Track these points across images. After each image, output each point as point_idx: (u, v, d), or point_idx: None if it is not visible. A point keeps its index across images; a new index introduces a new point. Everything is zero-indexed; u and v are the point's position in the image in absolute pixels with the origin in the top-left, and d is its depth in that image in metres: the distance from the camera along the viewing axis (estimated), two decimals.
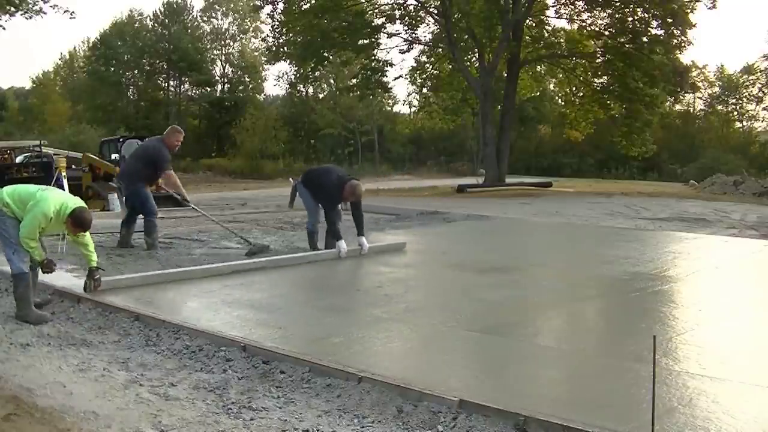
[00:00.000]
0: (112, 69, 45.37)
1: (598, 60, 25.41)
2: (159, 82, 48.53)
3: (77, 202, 5.17)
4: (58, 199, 5.06)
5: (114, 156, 17.12)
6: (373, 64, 26.67)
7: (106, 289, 5.56)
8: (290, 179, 9.75)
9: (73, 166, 17.81)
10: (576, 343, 4.81)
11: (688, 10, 22.89)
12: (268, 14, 26.64)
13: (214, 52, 49.52)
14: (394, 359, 4.24)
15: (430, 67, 28.92)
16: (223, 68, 49.55)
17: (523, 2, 23.98)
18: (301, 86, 46.97)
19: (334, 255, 7.70)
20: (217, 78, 49.03)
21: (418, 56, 28.26)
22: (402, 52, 26.66)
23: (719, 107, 43.83)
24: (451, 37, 24.08)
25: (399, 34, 26.14)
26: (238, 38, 50.04)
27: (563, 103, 34.78)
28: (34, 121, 46.62)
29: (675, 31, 23.11)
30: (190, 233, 9.84)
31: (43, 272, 5.18)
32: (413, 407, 3.36)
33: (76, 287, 5.61)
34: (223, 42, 49.60)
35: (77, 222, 5.02)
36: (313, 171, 8.59)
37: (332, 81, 45.28)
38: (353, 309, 5.45)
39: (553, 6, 26.47)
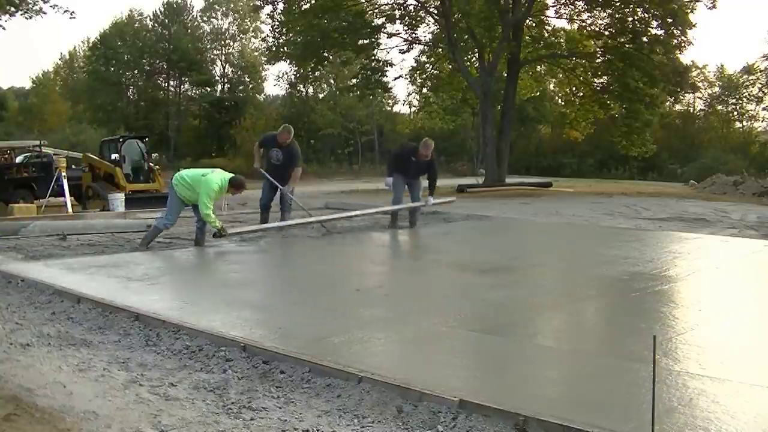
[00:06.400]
0: (112, 69, 45.39)
1: (598, 60, 25.42)
2: (159, 82, 48.55)
3: None
4: None
5: (114, 156, 17.05)
6: (373, 64, 26.69)
7: None
8: None
9: (73, 166, 17.78)
10: (576, 343, 4.80)
11: (688, 10, 22.95)
12: (268, 14, 26.70)
13: (214, 52, 49.54)
14: (394, 359, 4.24)
15: (430, 67, 28.89)
16: (223, 68, 49.60)
17: (523, 2, 23.98)
18: (301, 86, 46.98)
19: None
20: (217, 78, 49.08)
21: (418, 56, 28.29)
22: (402, 52, 26.74)
23: (719, 107, 43.87)
24: (451, 37, 24.07)
25: (399, 34, 26.20)
26: (238, 38, 50.03)
27: (563, 103, 34.77)
28: (34, 121, 46.59)
29: (675, 31, 23.13)
30: (191, 233, 9.83)
31: None
32: (413, 407, 3.36)
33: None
34: (223, 42, 49.59)
35: None
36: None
37: (332, 81, 45.29)
38: (353, 309, 5.44)
39: (553, 6, 26.51)
